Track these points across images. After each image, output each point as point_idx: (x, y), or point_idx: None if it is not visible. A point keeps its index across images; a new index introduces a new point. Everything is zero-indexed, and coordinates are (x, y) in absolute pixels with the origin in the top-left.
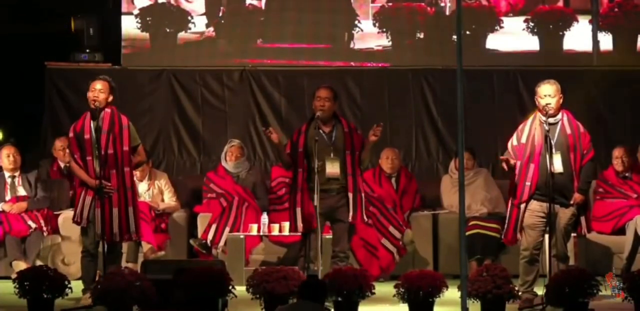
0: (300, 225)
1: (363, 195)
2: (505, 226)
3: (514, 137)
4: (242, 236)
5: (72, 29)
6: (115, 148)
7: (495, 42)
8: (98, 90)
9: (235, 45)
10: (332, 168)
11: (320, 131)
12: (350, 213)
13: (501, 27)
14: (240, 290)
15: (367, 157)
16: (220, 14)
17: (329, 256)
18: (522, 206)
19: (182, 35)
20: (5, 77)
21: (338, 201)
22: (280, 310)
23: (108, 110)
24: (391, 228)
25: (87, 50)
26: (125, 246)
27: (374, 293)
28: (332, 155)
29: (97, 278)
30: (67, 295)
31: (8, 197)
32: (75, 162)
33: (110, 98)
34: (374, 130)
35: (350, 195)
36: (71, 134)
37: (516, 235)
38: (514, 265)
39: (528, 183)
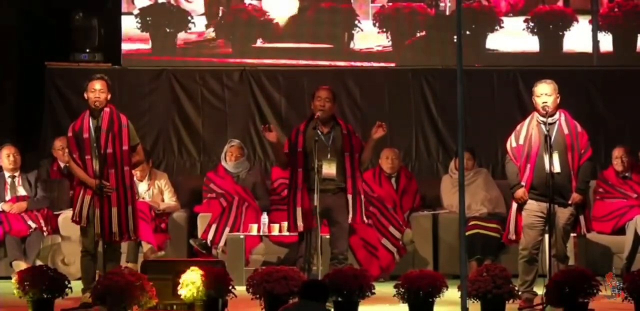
0: (300, 224)
1: (363, 196)
2: (505, 226)
3: (512, 138)
4: (242, 236)
5: (72, 28)
6: (114, 147)
7: (495, 42)
8: (99, 91)
9: (235, 45)
10: (329, 169)
11: (319, 131)
12: (350, 215)
13: (501, 27)
14: (240, 290)
15: (369, 157)
16: (220, 14)
17: (328, 256)
18: (515, 206)
19: (182, 35)
20: (6, 77)
21: (334, 201)
22: (285, 310)
23: (107, 109)
24: (391, 228)
25: (87, 50)
26: (125, 246)
27: (374, 293)
28: (329, 156)
29: (96, 278)
30: (67, 295)
31: (8, 197)
32: (74, 161)
33: (109, 96)
34: (377, 127)
35: (350, 197)
36: (70, 134)
37: (509, 235)
38: (514, 265)
39: (523, 184)
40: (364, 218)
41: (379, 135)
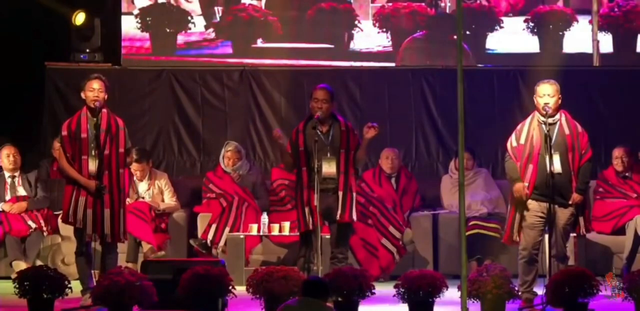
0: (310, 222)
1: (354, 194)
2: (505, 227)
3: (513, 137)
4: (242, 236)
5: (72, 28)
6: (111, 149)
7: (495, 42)
8: (97, 90)
9: (235, 45)
10: (329, 168)
11: (318, 131)
12: (339, 212)
13: (501, 27)
14: (240, 290)
15: (363, 156)
16: (220, 14)
17: (328, 256)
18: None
19: (182, 35)
20: (6, 77)
21: (335, 201)
22: (286, 306)
23: (104, 110)
24: (391, 228)
25: (87, 50)
26: (125, 246)
27: (374, 293)
28: (328, 154)
29: (93, 278)
30: (67, 295)
31: (8, 197)
32: (67, 160)
33: (106, 97)
34: (368, 128)
35: (340, 194)
36: (64, 132)
37: (512, 236)
38: (514, 265)
39: (526, 184)
40: (353, 217)
41: (370, 135)
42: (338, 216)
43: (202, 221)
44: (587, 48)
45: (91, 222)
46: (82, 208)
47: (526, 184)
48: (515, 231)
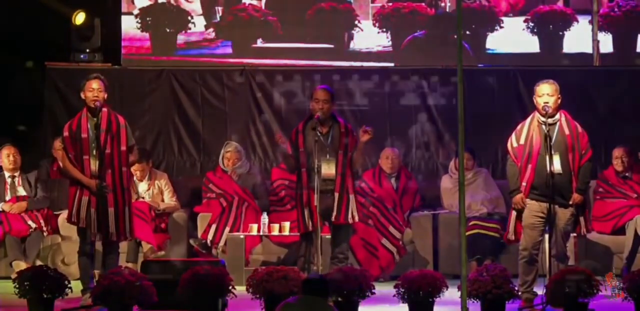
0: (309, 223)
1: (352, 196)
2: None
3: (513, 138)
4: (242, 236)
5: (72, 28)
6: (112, 147)
7: (495, 42)
8: (97, 90)
9: (235, 45)
10: (328, 169)
11: (318, 132)
12: (334, 213)
13: (501, 27)
14: (240, 290)
15: (358, 159)
16: (220, 14)
17: (329, 256)
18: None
19: (182, 35)
20: (6, 77)
21: (333, 202)
22: (286, 304)
23: (105, 109)
24: (391, 228)
25: (87, 50)
26: (125, 246)
27: (374, 293)
28: (328, 156)
29: (94, 278)
30: (67, 295)
31: (8, 197)
32: (70, 161)
33: (106, 96)
34: (363, 131)
35: (337, 195)
36: (66, 133)
37: (509, 235)
38: (514, 265)
39: (524, 184)
40: (349, 219)
41: (364, 139)
42: (333, 217)
43: (202, 221)
44: (587, 48)
45: (95, 221)
46: (85, 207)
47: (524, 184)
48: (511, 230)
